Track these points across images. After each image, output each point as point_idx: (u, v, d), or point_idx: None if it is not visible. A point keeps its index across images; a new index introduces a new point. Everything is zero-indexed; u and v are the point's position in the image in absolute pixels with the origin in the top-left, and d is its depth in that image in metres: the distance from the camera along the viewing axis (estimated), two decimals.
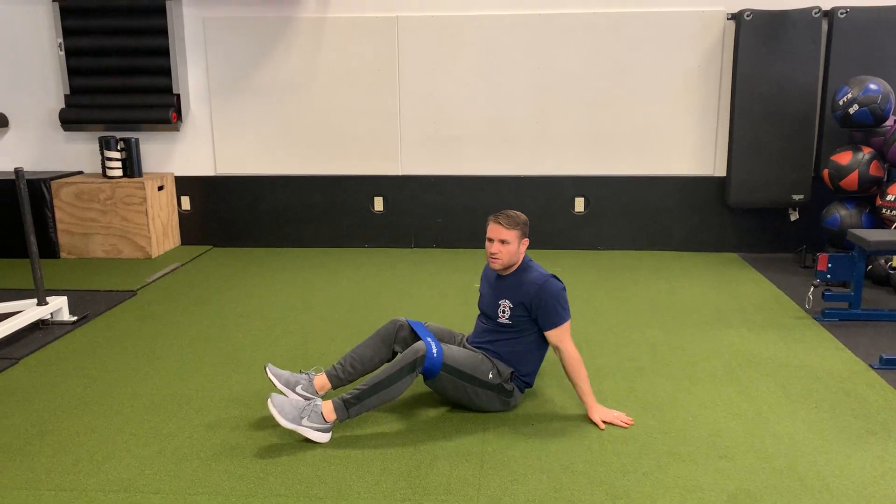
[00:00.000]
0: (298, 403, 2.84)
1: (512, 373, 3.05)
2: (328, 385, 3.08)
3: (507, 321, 3.03)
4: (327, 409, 2.82)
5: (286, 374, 3.11)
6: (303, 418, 2.80)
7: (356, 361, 3.09)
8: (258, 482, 2.57)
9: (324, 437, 2.83)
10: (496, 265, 3.03)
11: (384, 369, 2.86)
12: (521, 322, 3.02)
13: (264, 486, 2.55)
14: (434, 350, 2.87)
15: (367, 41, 5.73)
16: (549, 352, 3.14)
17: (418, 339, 3.08)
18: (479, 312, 3.23)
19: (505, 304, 3.03)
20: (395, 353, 3.12)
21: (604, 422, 2.95)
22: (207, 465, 2.68)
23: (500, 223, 2.99)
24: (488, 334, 3.10)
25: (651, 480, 2.57)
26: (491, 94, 5.76)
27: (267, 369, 3.10)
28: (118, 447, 2.83)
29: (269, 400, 2.82)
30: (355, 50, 5.75)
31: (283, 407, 2.80)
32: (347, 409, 2.81)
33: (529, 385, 3.16)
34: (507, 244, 2.98)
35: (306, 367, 3.56)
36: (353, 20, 5.71)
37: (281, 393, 3.02)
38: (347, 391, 2.87)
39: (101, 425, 3.01)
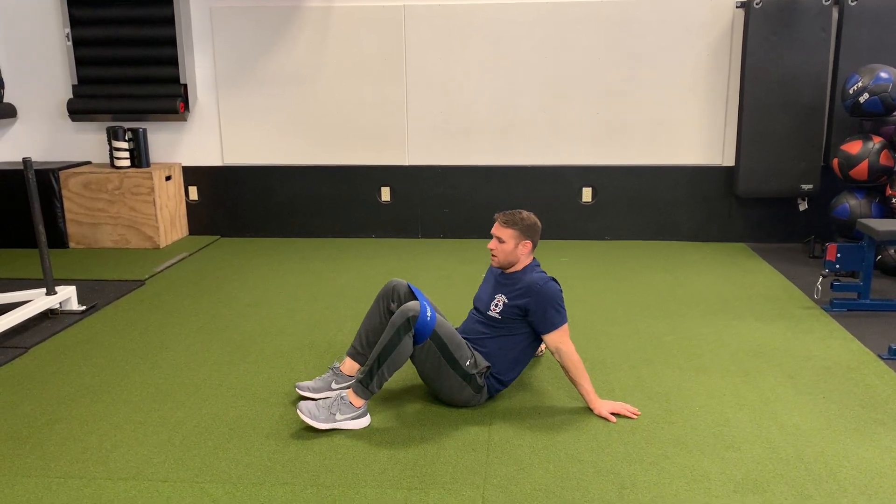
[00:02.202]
0: (326, 402, 2.85)
1: (488, 368, 3.00)
2: (356, 365, 3.13)
3: (496, 315, 3.02)
4: (352, 396, 2.84)
5: (313, 383, 3.13)
6: (334, 415, 2.82)
7: (370, 332, 3.12)
8: (265, 470, 2.58)
9: (363, 422, 2.86)
10: (493, 262, 3.07)
11: (382, 338, 2.84)
12: (510, 320, 3.01)
13: (271, 475, 2.56)
14: (428, 312, 2.84)
15: (375, 30, 5.71)
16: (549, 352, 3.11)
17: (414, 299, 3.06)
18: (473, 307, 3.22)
19: (500, 299, 3.02)
20: (392, 313, 3.09)
21: (612, 413, 2.94)
22: (215, 454, 2.70)
23: (498, 220, 3.03)
24: (476, 326, 3.10)
25: (657, 470, 2.57)
26: (498, 84, 5.73)
27: (297, 389, 3.11)
28: (126, 435, 2.85)
29: (298, 410, 2.83)
30: (362, 39, 5.73)
31: (313, 411, 2.82)
32: (367, 387, 2.82)
33: (499, 389, 3.09)
34: (502, 242, 3.00)
35: (314, 356, 3.58)
36: (360, 9, 5.69)
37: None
38: (360, 371, 2.89)
39: (110, 414, 3.03)
